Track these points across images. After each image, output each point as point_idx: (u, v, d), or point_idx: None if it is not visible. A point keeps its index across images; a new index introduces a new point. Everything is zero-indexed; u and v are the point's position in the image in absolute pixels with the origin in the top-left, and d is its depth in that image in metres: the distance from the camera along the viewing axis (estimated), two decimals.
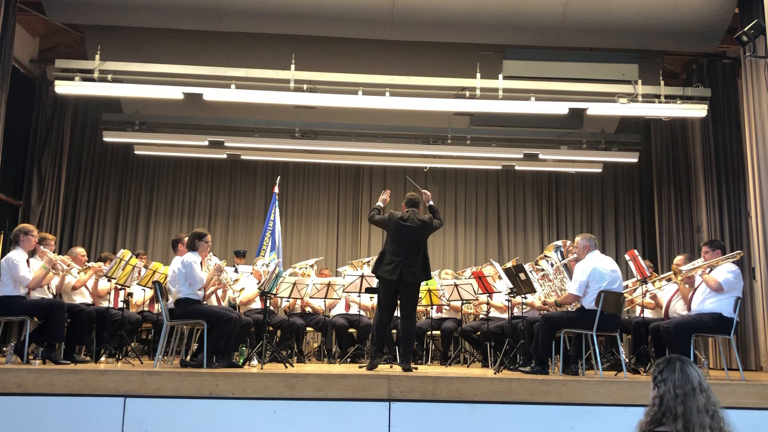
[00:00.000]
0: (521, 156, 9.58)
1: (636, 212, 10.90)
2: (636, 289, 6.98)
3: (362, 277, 7.22)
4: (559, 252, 6.75)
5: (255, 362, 6.24)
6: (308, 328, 7.92)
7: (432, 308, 7.86)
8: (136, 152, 9.90)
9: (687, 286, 6.20)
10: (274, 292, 6.72)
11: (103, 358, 6.56)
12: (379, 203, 6.36)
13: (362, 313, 8.01)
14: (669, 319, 6.22)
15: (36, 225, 9.19)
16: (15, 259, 5.73)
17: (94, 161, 10.61)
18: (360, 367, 6.29)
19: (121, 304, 6.96)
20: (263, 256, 8.56)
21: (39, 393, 4.71)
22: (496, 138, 9.50)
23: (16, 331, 7.12)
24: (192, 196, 10.79)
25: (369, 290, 7.22)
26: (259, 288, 6.85)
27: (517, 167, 10.14)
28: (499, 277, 7.10)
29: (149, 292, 7.50)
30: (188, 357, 6.33)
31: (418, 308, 7.97)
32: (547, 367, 5.88)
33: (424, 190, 6.56)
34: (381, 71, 7.99)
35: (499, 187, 11.04)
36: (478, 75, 7.83)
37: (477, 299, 7.61)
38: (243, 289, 7.56)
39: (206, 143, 9.31)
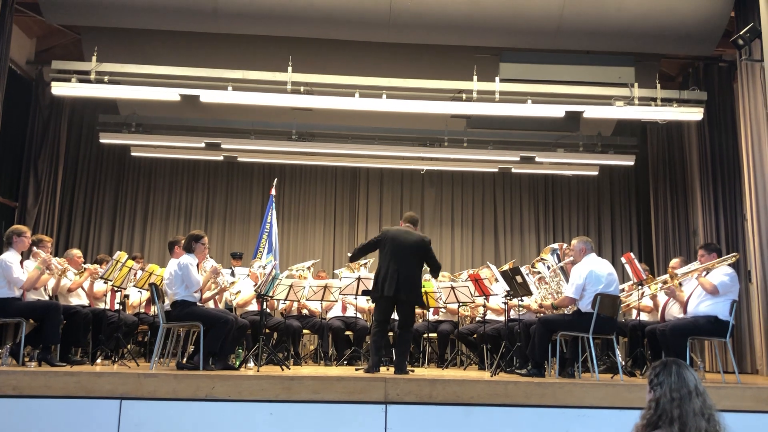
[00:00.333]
0: (518, 158, 9.59)
1: (632, 215, 10.92)
2: (632, 292, 6.99)
3: (359, 279, 7.22)
4: (555, 255, 6.76)
5: (251, 364, 6.23)
6: (305, 331, 7.92)
7: (429, 311, 7.86)
8: (132, 154, 9.88)
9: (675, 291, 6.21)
10: (270, 294, 6.72)
11: (99, 360, 6.53)
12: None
13: (359, 315, 8.01)
14: (665, 322, 6.23)
15: (32, 226, 9.19)
16: (8, 261, 5.71)
17: (91, 163, 10.59)
18: (357, 370, 6.29)
19: (117, 306, 6.95)
20: (260, 259, 8.55)
21: (35, 395, 4.69)
22: (492, 140, 9.51)
23: (11, 333, 7.10)
24: (188, 197, 10.78)
25: (365, 292, 7.21)
26: (255, 290, 6.85)
27: (513, 170, 10.14)
28: (496, 280, 7.12)
29: (146, 294, 7.48)
30: (184, 359, 6.31)
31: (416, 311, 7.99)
32: (544, 369, 5.88)
33: None
34: (378, 74, 8.00)
35: (496, 190, 11.05)
36: (475, 78, 7.84)
37: (474, 302, 7.61)
38: (239, 291, 7.55)
39: (203, 145, 9.30)
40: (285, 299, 7.23)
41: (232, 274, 7.78)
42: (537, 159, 9.58)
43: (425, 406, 4.76)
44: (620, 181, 11.00)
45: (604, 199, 11.01)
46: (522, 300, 6.60)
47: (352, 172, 10.92)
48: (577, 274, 5.82)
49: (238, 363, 6.18)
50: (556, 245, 6.98)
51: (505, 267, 7.13)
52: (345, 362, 7.44)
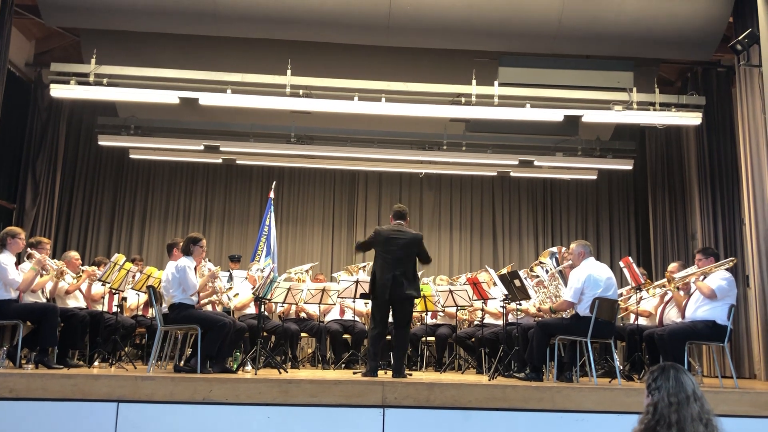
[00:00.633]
0: (516, 162, 9.60)
1: (630, 219, 10.93)
2: (630, 296, 7.00)
3: (357, 282, 7.21)
4: (554, 258, 6.76)
5: (249, 368, 6.22)
6: (303, 334, 7.91)
7: (427, 314, 7.85)
8: (131, 156, 9.88)
9: (682, 293, 6.22)
10: (268, 297, 6.71)
11: (96, 363, 6.53)
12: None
13: (357, 318, 8.00)
14: (663, 327, 6.23)
15: (30, 228, 9.18)
16: (3, 263, 5.68)
17: (89, 165, 10.58)
18: (354, 373, 6.29)
19: (115, 309, 6.94)
20: (258, 261, 8.54)
21: (31, 398, 4.67)
22: (491, 144, 9.51)
23: (8, 336, 7.08)
24: (187, 200, 10.78)
25: (363, 296, 7.20)
26: (253, 293, 6.84)
27: (512, 174, 10.16)
28: (494, 284, 7.11)
29: (143, 297, 7.48)
30: (182, 362, 6.31)
31: (413, 314, 7.97)
32: (542, 373, 5.88)
33: None
34: (377, 77, 8.00)
35: (494, 194, 11.05)
36: (474, 81, 7.84)
37: (472, 305, 7.62)
38: (237, 294, 7.55)
39: (202, 148, 9.30)
40: (283, 302, 7.22)
41: (230, 278, 7.77)
42: (536, 163, 9.58)
43: (423, 410, 4.75)
44: (619, 186, 11.01)
45: (603, 204, 11.01)
46: (520, 304, 6.59)
47: (351, 175, 10.92)
48: (576, 278, 5.82)
49: (235, 366, 6.17)
50: (555, 249, 6.98)
51: (504, 271, 7.12)
52: (343, 366, 7.43)
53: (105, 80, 7.74)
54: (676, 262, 6.97)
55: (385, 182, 10.96)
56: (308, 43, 8.24)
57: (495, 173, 10.23)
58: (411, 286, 5.91)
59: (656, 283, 6.91)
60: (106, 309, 6.71)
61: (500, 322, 7.05)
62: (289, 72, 7.78)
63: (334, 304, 7.87)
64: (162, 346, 6.14)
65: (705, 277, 5.94)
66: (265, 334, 7.43)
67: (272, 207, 9.22)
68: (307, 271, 8.28)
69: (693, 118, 7.96)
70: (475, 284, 7.28)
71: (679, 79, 9.70)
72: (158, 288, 6.18)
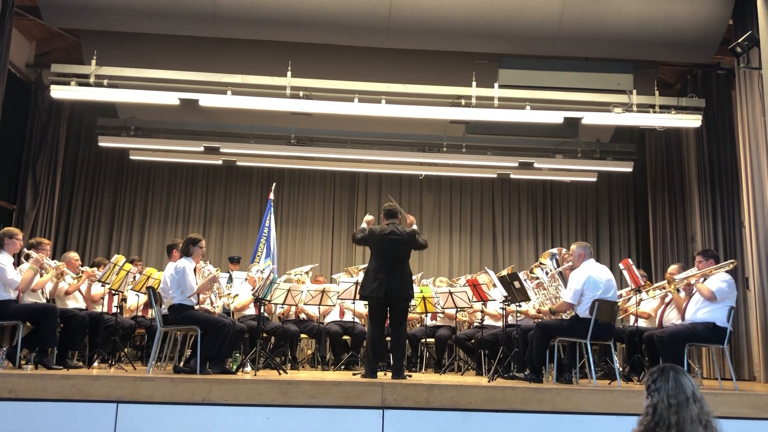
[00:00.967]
0: (516, 164, 9.61)
1: (630, 221, 10.93)
2: (630, 298, 7.00)
3: (357, 284, 7.21)
4: (554, 260, 6.76)
5: (248, 369, 6.22)
6: (302, 335, 7.91)
7: (426, 316, 7.85)
8: (131, 157, 9.88)
9: (683, 294, 6.22)
10: (268, 298, 6.71)
11: (95, 364, 6.53)
12: (364, 225, 6.28)
13: (356, 320, 8.00)
14: (663, 328, 6.23)
15: (30, 229, 9.18)
16: (1, 263, 5.68)
17: (89, 166, 10.58)
18: (354, 374, 6.29)
19: (114, 310, 6.94)
20: (258, 263, 8.54)
21: (31, 398, 4.67)
22: (491, 146, 9.52)
23: (8, 336, 7.08)
24: (187, 201, 10.78)
25: (362, 296, 7.21)
26: (253, 294, 6.84)
27: (512, 175, 10.16)
28: (494, 285, 7.11)
29: (143, 298, 7.48)
30: (181, 363, 6.31)
31: (413, 316, 7.99)
32: (541, 375, 5.88)
33: (408, 215, 6.38)
34: (377, 79, 8.01)
35: (494, 196, 11.06)
36: (474, 83, 7.85)
37: (471, 307, 7.61)
38: (237, 295, 7.54)
39: (202, 149, 9.30)
40: (283, 303, 7.22)
41: (230, 279, 7.76)
42: (535, 165, 9.59)
43: (423, 412, 4.75)
44: (618, 188, 11.02)
45: (603, 206, 11.02)
46: (520, 305, 6.59)
47: (351, 176, 10.92)
48: (576, 280, 5.82)
49: (235, 367, 6.17)
50: (555, 250, 6.99)
51: (504, 272, 7.13)
52: (342, 367, 7.43)
53: (105, 81, 7.75)
54: (675, 264, 6.98)
55: (385, 184, 10.96)
56: (308, 45, 8.25)
57: (495, 175, 10.24)
58: (406, 287, 5.91)
59: (656, 284, 6.91)
60: (105, 310, 6.71)
61: (500, 323, 7.05)
62: (289, 73, 7.78)
63: (334, 306, 7.88)
64: (161, 346, 6.14)
65: (705, 279, 5.94)
66: (264, 335, 7.43)
67: (272, 208, 9.22)
68: (307, 272, 8.28)
69: (693, 121, 7.96)
70: (474, 286, 7.28)
71: (679, 81, 9.71)
72: (158, 289, 6.18)
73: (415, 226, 6.23)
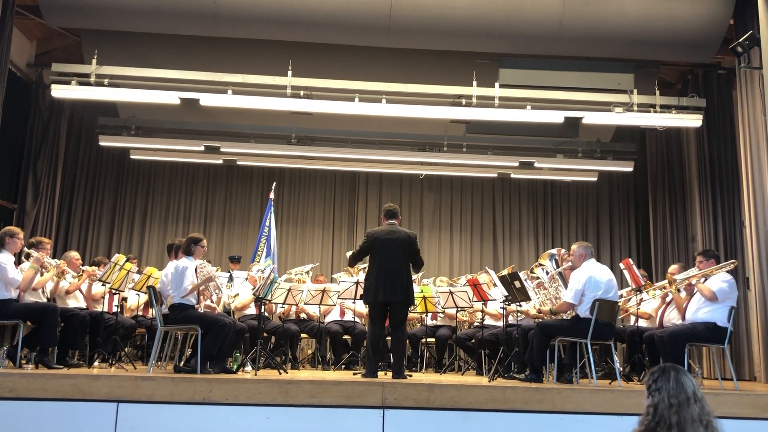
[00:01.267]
0: (517, 164, 9.61)
1: (631, 221, 10.93)
2: (630, 298, 7.00)
3: (357, 283, 7.21)
4: (553, 260, 6.76)
5: (249, 368, 6.22)
6: (303, 335, 7.91)
7: (427, 315, 7.85)
8: (131, 157, 9.89)
9: (684, 294, 6.22)
10: (268, 298, 6.71)
11: (96, 363, 6.53)
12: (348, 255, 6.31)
13: (357, 319, 8.00)
14: (663, 328, 6.23)
15: (30, 229, 9.19)
16: (2, 262, 5.68)
17: (90, 165, 10.59)
18: (354, 374, 6.29)
19: (115, 309, 6.94)
20: (258, 262, 8.54)
21: (31, 398, 4.68)
22: (492, 146, 9.51)
23: (8, 335, 7.08)
24: (187, 201, 10.78)
25: (363, 298, 7.21)
26: (254, 294, 6.84)
27: (512, 175, 10.16)
28: (494, 285, 7.11)
29: (143, 297, 7.48)
30: (182, 362, 6.31)
31: (413, 315, 7.99)
32: (542, 375, 5.88)
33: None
34: (378, 78, 8.00)
35: (495, 195, 11.05)
36: (475, 83, 7.85)
37: (472, 307, 7.61)
38: (237, 294, 7.55)
39: (202, 148, 9.30)
40: (283, 303, 7.22)
41: (231, 278, 7.77)
42: (536, 164, 9.59)
43: (423, 411, 4.75)
44: (619, 187, 11.02)
45: (603, 205, 11.02)
46: (520, 305, 6.59)
47: (351, 176, 10.92)
48: (576, 280, 5.82)
49: (235, 366, 6.17)
50: (554, 251, 6.99)
51: (504, 272, 7.13)
52: (343, 367, 7.43)
53: (106, 81, 7.75)
54: (676, 264, 6.97)
55: (386, 183, 10.96)
56: (309, 44, 8.25)
57: (495, 175, 10.23)
58: (406, 288, 5.90)
59: (656, 284, 6.90)
60: (106, 309, 6.71)
61: (500, 323, 7.05)
62: (289, 73, 7.78)
63: (335, 305, 7.88)
64: (162, 346, 6.14)
65: (706, 280, 5.94)
66: (265, 334, 7.43)
67: (272, 208, 9.22)
68: (307, 272, 8.28)
69: (693, 120, 7.96)
70: (475, 285, 7.28)
71: (680, 81, 9.71)
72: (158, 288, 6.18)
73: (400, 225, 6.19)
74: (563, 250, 6.96)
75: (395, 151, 9.54)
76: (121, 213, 10.59)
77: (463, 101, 7.93)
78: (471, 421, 4.73)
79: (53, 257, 6.61)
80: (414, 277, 6.78)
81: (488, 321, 7.47)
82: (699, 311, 5.77)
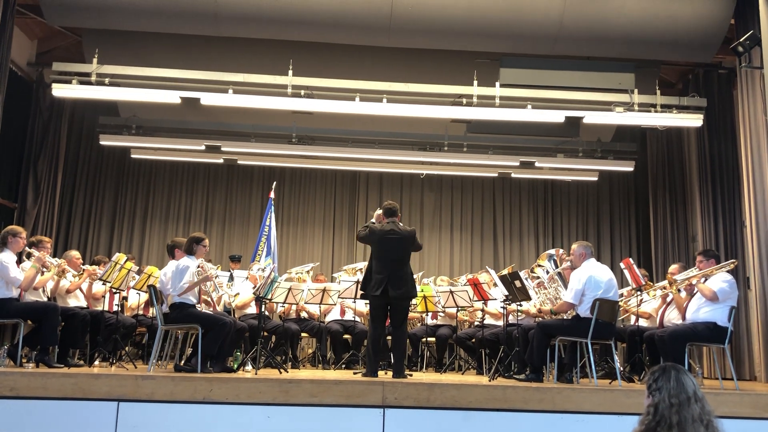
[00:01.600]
0: (517, 164, 9.61)
1: (631, 221, 10.93)
2: (630, 298, 7.00)
3: (357, 282, 7.21)
4: (552, 261, 6.76)
5: (249, 367, 6.22)
6: (303, 334, 7.91)
7: (427, 315, 7.85)
8: (132, 156, 9.89)
9: (684, 294, 6.22)
10: (269, 297, 6.71)
11: (96, 362, 6.53)
12: (372, 220, 6.24)
13: (357, 319, 8.00)
14: (663, 328, 6.23)
15: (31, 228, 9.19)
16: (4, 261, 5.69)
17: (91, 165, 10.59)
18: (355, 373, 6.29)
19: (115, 308, 6.94)
20: (258, 261, 8.54)
21: (32, 396, 4.68)
22: (492, 145, 9.52)
23: (9, 334, 7.09)
24: (188, 200, 10.78)
25: (364, 296, 7.21)
26: (254, 293, 6.84)
27: (513, 175, 10.16)
28: (495, 284, 7.11)
29: (144, 296, 7.48)
30: (182, 361, 6.31)
31: (414, 315, 7.99)
32: (542, 374, 5.88)
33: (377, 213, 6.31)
34: (378, 78, 8.00)
35: (495, 195, 11.05)
36: (475, 82, 7.85)
37: (472, 306, 7.61)
38: (238, 293, 7.55)
39: (203, 148, 9.31)
40: (284, 302, 7.22)
41: (231, 278, 7.77)
42: (537, 164, 9.59)
43: (423, 411, 4.76)
44: (620, 187, 11.01)
45: (603, 205, 11.02)
46: (521, 304, 6.59)
47: (352, 175, 10.92)
48: (577, 279, 5.82)
49: (236, 366, 6.17)
50: (552, 251, 7.00)
51: (505, 272, 7.13)
52: (343, 366, 7.43)
53: (107, 80, 7.75)
54: (676, 264, 6.97)
55: (386, 183, 10.96)
56: (310, 44, 8.25)
57: (496, 174, 10.24)
58: (407, 286, 5.91)
59: (657, 284, 6.90)
60: (106, 308, 6.71)
61: (500, 322, 7.05)
62: (290, 72, 7.78)
63: (335, 304, 7.88)
64: (162, 345, 6.14)
65: (706, 279, 5.94)
66: (265, 333, 7.43)
67: (273, 207, 9.22)
68: (308, 271, 8.28)
69: (694, 120, 7.96)
70: (475, 285, 7.28)
71: (681, 80, 9.71)
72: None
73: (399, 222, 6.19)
74: (562, 251, 6.96)
75: (396, 151, 9.54)
76: (122, 212, 10.60)
77: (464, 101, 7.94)
78: (471, 421, 4.73)
79: (54, 256, 6.62)
80: (414, 276, 6.77)
81: (488, 320, 7.47)
82: (699, 311, 5.77)
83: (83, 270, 6.71)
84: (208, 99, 7.77)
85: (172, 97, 7.76)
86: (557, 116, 7.92)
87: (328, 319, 8.05)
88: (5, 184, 9.33)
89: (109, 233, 10.50)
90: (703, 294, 5.77)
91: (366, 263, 7.06)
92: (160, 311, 5.90)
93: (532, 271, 7.07)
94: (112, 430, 4.62)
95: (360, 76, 8.03)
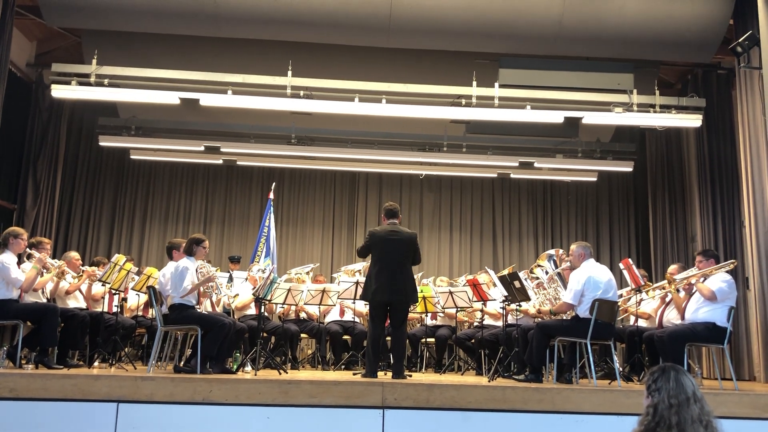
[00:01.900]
0: (517, 164, 9.61)
1: (630, 221, 10.93)
2: (630, 298, 7.00)
3: (357, 283, 7.21)
4: (552, 261, 6.76)
5: (249, 368, 6.22)
6: (302, 335, 7.91)
7: (426, 315, 7.85)
8: (131, 157, 9.89)
9: (683, 294, 6.22)
10: (268, 298, 6.71)
11: (96, 363, 6.54)
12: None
13: (357, 319, 8.00)
14: (663, 328, 6.23)
15: (30, 229, 9.18)
16: (5, 262, 5.70)
17: (90, 165, 10.59)
18: (354, 374, 6.29)
19: (115, 309, 6.94)
20: (258, 262, 8.54)
21: (31, 398, 4.68)
22: (491, 146, 9.52)
23: (8, 335, 7.09)
24: (187, 201, 10.78)
25: (363, 298, 7.21)
26: (254, 294, 6.84)
27: (512, 175, 10.16)
28: (494, 285, 7.11)
29: (143, 297, 7.48)
30: (182, 362, 6.31)
31: (413, 315, 7.99)
32: (541, 375, 5.89)
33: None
34: (377, 78, 8.00)
35: (495, 195, 11.06)
36: (474, 83, 7.85)
37: (471, 306, 7.61)
38: (237, 295, 7.55)
39: (202, 148, 9.31)
40: (283, 303, 7.22)
41: (230, 279, 7.77)
42: (536, 164, 9.59)
43: (423, 411, 4.75)
44: (619, 187, 11.02)
45: (603, 205, 11.02)
46: (520, 305, 6.60)
47: (351, 176, 10.92)
48: (576, 280, 5.82)
49: (235, 367, 6.17)
50: (552, 251, 7.00)
51: (505, 272, 7.13)
52: (343, 367, 7.44)
53: (106, 81, 7.75)
54: (676, 264, 6.98)
55: (386, 183, 10.97)
56: (309, 44, 8.25)
57: (495, 175, 10.24)
58: (408, 288, 5.91)
59: (656, 284, 6.91)
60: (106, 309, 6.71)
61: (500, 323, 7.05)
62: (289, 73, 7.79)
63: (334, 305, 7.88)
64: (162, 346, 6.14)
65: (705, 279, 5.94)
66: (264, 334, 7.43)
67: (272, 208, 9.22)
68: (307, 272, 8.28)
69: (693, 120, 7.96)
70: (475, 285, 7.28)
71: (680, 81, 9.71)
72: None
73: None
74: (561, 251, 6.96)
75: (395, 151, 9.54)
76: (121, 213, 10.59)
77: (463, 101, 7.94)
78: (471, 421, 4.73)
79: (53, 257, 6.62)
80: (426, 281, 6.77)
81: (488, 321, 7.47)
82: (698, 311, 5.77)
83: (83, 271, 6.71)
84: (207, 100, 7.78)
85: (172, 97, 7.76)
86: (556, 117, 7.92)
87: (328, 319, 8.05)
88: (4, 185, 9.33)
89: (108, 234, 10.50)
90: (701, 293, 5.78)
91: (364, 263, 7.09)
92: (160, 312, 5.90)
93: (532, 272, 7.07)
94: (111, 431, 4.62)
95: (359, 76, 8.04)
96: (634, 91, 7.78)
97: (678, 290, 6.25)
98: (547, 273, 6.69)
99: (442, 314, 7.99)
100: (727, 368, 6.33)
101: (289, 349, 7.52)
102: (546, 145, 9.58)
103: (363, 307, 7.90)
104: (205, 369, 5.61)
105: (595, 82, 7.81)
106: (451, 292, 7.46)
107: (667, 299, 6.68)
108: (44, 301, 6.16)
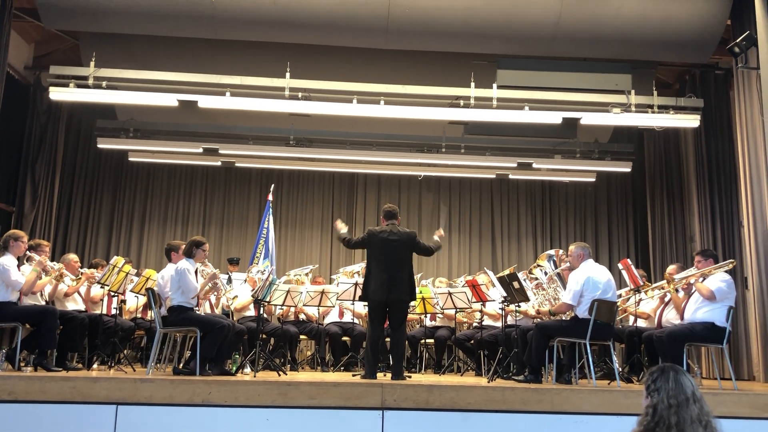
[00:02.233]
0: (515, 165, 9.62)
1: (629, 221, 10.94)
2: (629, 298, 7.01)
3: (356, 285, 7.21)
4: (551, 261, 6.76)
5: (248, 370, 6.22)
6: (302, 336, 7.91)
7: (426, 316, 7.86)
8: (130, 159, 9.88)
9: (682, 294, 6.23)
10: (267, 299, 6.71)
11: (95, 366, 6.53)
12: (343, 232, 6.19)
13: (356, 320, 8.00)
14: (662, 329, 6.24)
15: (29, 231, 9.16)
16: (5, 264, 5.70)
17: (88, 168, 10.58)
18: (353, 375, 6.29)
19: (114, 311, 6.94)
20: (257, 264, 8.53)
21: (30, 400, 4.67)
22: (490, 147, 9.53)
23: (7, 338, 7.08)
24: (186, 203, 10.78)
25: (362, 298, 7.21)
26: (253, 295, 6.84)
27: (510, 176, 10.17)
28: (493, 285, 7.11)
29: (142, 299, 7.47)
30: (181, 364, 6.30)
31: (412, 316, 7.99)
32: (541, 375, 5.88)
33: (438, 232, 6.34)
34: (376, 80, 8.01)
35: (493, 196, 11.06)
36: (473, 84, 7.86)
37: (471, 307, 7.61)
38: (236, 296, 7.54)
39: (201, 150, 9.30)
40: (282, 304, 7.22)
41: (229, 280, 7.77)
42: (534, 165, 9.60)
43: (422, 412, 4.75)
44: (617, 188, 11.03)
45: (601, 206, 11.03)
46: (519, 306, 6.60)
47: (350, 177, 10.92)
48: (575, 281, 5.82)
49: (234, 368, 6.17)
50: (552, 251, 7.00)
51: (505, 272, 7.13)
52: (342, 368, 7.43)
53: (104, 83, 7.76)
54: (674, 264, 6.98)
55: (384, 185, 10.97)
56: (307, 46, 8.25)
57: (494, 175, 10.24)
58: (407, 289, 5.91)
59: (655, 284, 6.91)
60: (105, 311, 6.71)
61: (499, 324, 7.06)
62: (288, 75, 7.79)
63: (333, 307, 7.88)
64: (161, 348, 6.13)
65: (704, 279, 5.94)
66: (264, 336, 7.43)
67: (271, 209, 9.21)
68: (306, 273, 8.28)
69: (691, 121, 7.98)
70: (474, 286, 7.28)
71: (677, 81, 9.72)
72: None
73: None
74: (561, 251, 6.96)
75: (393, 153, 9.55)
76: (120, 215, 10.59)
77: (461, 102, 7.95)
78: (470, 422, 4.73)
79: (52, 260, 6.62)
80: (425, 282, 6.77)
81: (487, 322, 7.47)
82: (697, 311, 5.77)
83: (81, 273, 6.71)
84: (205, 102, 7.78)
85: (170, 99, 7.77)
86: (554, 117, 7.93)
87: (327, 321, 8.05)
88: (3, 188, 9.32)
89: (107, 236, 10.49)
90: (700, 293, 5.78)
91: (363, 265, 7.08)
92: (159, 314, 5.90)
93: (531, 272, 7.07)
94: None
95: (357, 78, 8.05)
96: (632, 91, 7.79)
97: (677, 290, 6.26)
98: (546, 273, 6.69)
99: (441, 315, 7.99)
100: (726, 368, 6.33)
101: (289, 351, 7.51)
102: (544, 146, 9.59)
103: (362, 308, 7.91)
104: (204, 371, 5.60)
105: (593, 82, 7.82)
106: (450, 293, 7.46)
107: (666, 299, 6.68)
108: (43, 303, 6.16)
